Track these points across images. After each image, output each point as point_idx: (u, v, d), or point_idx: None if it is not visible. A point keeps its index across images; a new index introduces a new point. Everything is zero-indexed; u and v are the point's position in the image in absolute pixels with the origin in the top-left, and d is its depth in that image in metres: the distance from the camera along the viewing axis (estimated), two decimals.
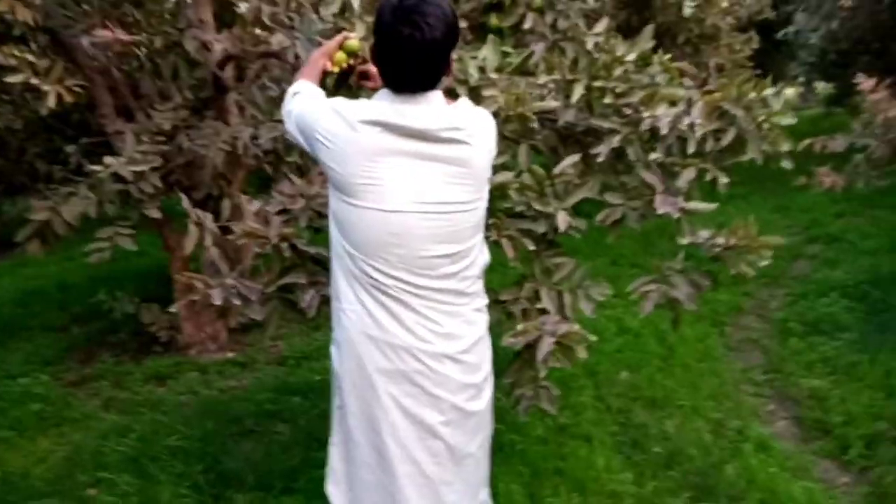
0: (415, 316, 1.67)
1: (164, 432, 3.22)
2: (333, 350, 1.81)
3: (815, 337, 3.97)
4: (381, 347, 1.68)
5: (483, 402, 1.83)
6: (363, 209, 1.61)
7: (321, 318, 5.31)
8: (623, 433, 3.11)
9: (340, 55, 1.95)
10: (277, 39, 3.55)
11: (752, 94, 2.20)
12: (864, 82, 4.47)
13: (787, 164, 2.30)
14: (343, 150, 1.60)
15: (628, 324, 4.34)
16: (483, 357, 1.82)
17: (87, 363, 4.47)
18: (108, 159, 3.16)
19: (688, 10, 2.84)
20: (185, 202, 2.25)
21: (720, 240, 2.15)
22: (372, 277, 1.65)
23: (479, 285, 1.81)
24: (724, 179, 2.22)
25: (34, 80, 3.15)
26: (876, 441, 2.89)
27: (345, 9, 2.46)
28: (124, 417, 3.53)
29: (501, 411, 3.24)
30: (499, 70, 2.35)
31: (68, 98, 3.23)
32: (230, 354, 4.44)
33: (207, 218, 2.23)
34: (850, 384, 3.34)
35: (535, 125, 2.28)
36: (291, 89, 1.83)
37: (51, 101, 3.17)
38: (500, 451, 2.95)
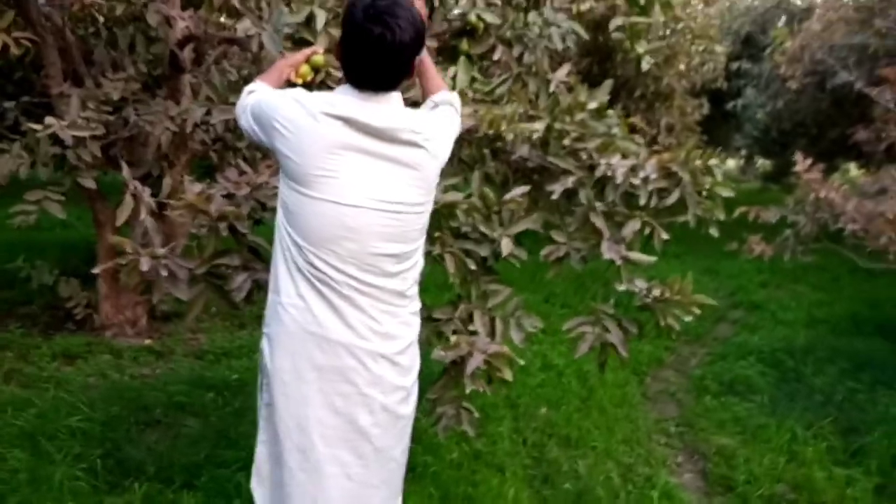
0: (357, 312, 1.66)
1: (65, 411, 3.07)
2: (265, 345, 1.76)
3: (728, 397, 4.09)
4: (318, 343, 1.65)
5: (411, 406, 1.83)
6: (318, 200, 1.60)
7: (246, 317, 5.21)
8: (536, 467, 3.13)
9: (305, 68, 1.95)
10: (243, 26, 3.50)
11: (699, 162, 2.29)
12: (800, 162, 4.69)
13: (714, 232, 2.39)
14: (302, 139, 1.58)
15: (553, 361, 4.40)
16: (414, 361, 1.83)
17: None
18: (49, 119, 3.04)
19: (645, 65, 2.94)
20: (126, 170, 2.18)
21: (656, 291, 2.21)
22: (318, 269, 1.62)
23: (416, 290, 1.83)
24: (664, 235, 2.30)
25: None
26: (774, 502, 2.99)
27: (310, 20, 2.43)
28: (25, 391, 3.36)
29: (418, 431, 3.22)
30: (472, 90, 2.38)
31: (14, 50, 3.12)
32: (147, 341, 4.29)
33: (145, 192, 2.16)
34: (757, 445, 3.44)
35: (488, 153, 2.32)
36: (248, 88, 1.82)
37: None
38: (413, 471, 2.92)
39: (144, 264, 2.02)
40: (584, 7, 4.17)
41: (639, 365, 4.61)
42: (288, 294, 1.67)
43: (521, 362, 2.16)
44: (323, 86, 2.17)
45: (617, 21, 2.72)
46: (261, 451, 1.79)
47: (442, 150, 1.75)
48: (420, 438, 3.19)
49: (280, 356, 1.69)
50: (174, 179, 3.77)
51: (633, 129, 2.54)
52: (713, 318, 5.93)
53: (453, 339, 2.10)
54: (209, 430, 3.08)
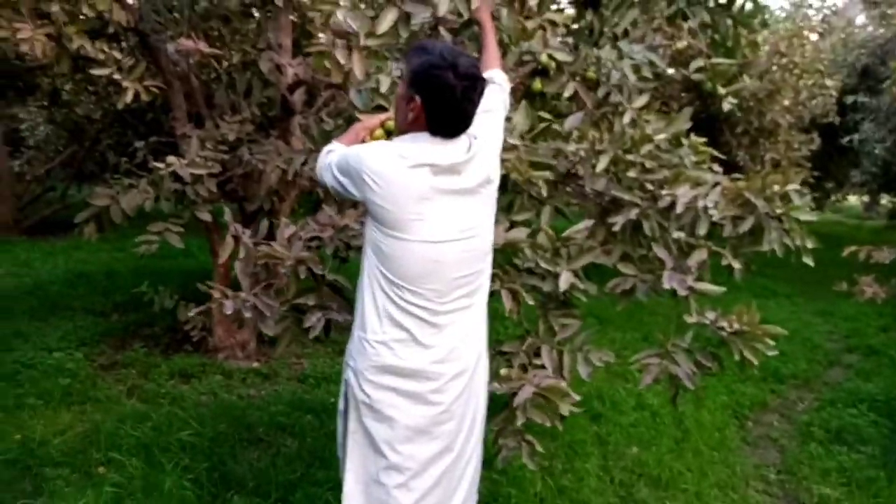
0: (441, 338, 1.81)
1: (178, 426, 3.32)
2: (350, 376, 1.88)
3: (835, 445, 3.88)
4: (402, 373, 1.80)
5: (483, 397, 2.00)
6: (411, 242, 1.75)
7: (345, 344, 5.43)
8: None
9: (380, 132, 2.09)
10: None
11: (776, 188, 2.24)
12: None
13: (809, 262, 2.32)
14: (392, 190, 1.72)
15: (647, 400, 4.31)
16: (486, 369, 1.98)
17: (120, 350, 4.63)
18: (170, 159, 3.33)
19: (727, 106, 2.90)
20: (228, 215, 2.39)
21: (724, 323, 2.18)
22: (411, 303, 1.77)
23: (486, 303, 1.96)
24: (737, 266, 2.25)
25: (116, 76, 3.37)
26: None
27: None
28: (144, 406, 3.65)
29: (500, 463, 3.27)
30: (529, 131, 2.44)
31: (144, 96, 3.44)
32: (255, 364, 4.55)
33: (245, 234, 2.35)
34: (863, 498, 3.25)
35: (547, 187, 2.36)
36: (326, 148, 1.99)
37: (128, 97, 3.38)
38: (495, 501, 2.96)
39: (228, 308, 2.21)
40: (681, 45, 4.17)
41: (740, 408, 4.44)
42: (374, 332, 1.80)
43: (577, 397, 2.17)
44: None
45: (698, 62, 2.72)
46: (349, 479, 1.89)
47: (496, 164, 1.91)
48: (505, 470, 3.23)
49: (368, 388, 1.82)
50: (277, 217, 4.03)
51: (712, 160, 2.50)
52: (825, 363, 5.64)
53: (503, 371, 2.16)
54: (305, 450, 3.24)
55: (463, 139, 1.80)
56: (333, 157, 1.88)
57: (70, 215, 10.36)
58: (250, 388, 4.18)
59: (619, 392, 4.36)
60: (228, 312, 2.14)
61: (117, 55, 3.33)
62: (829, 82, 6.82)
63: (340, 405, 1.95)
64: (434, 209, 1.73)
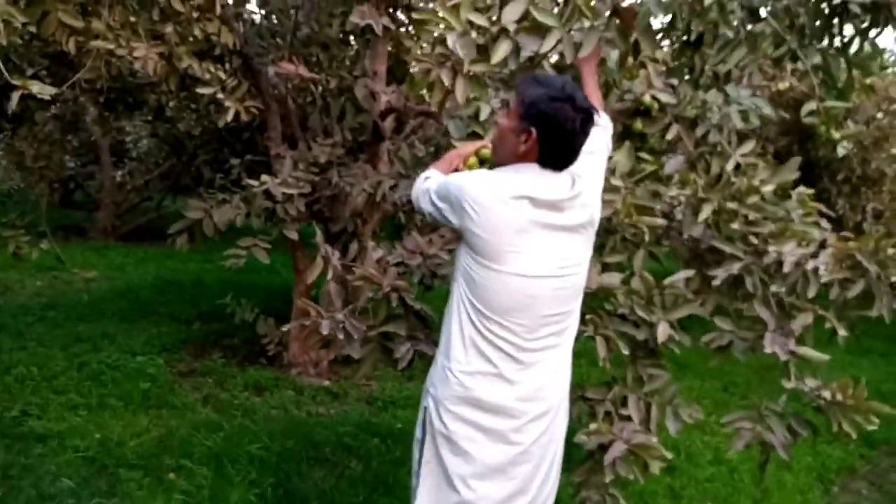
0: (526, 375, 1.78)
1: (248, 438, 3.38)
2: (430, 404, 1.86)
3: None
4: (484, 408, 1.77)
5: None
6: (506, 274, 1.73)
7: (415, 370, 5.44)
8: None
9: (474, 160, 2.07)
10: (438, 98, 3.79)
11: (891, 251, 2.10)
12: None
13: None
14: (492, 220, 1.71)
15: (725, 455, 4.10)
16: (565, 421, 1.95)
17: (199, 358, 4.77)
18: (264, 177, 3.44)
19: (842, 151, 2.78)
20: (319, 236, 2.43)
21: (825, 393, 2.06)
22: (500, 336, 1.75)
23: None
24: (842, 332, 2.13)
25: (220, 95, 3.52)
26: None
27: (477, 113, 2.57)
28: (217, 415, 3.74)
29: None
30: (630, 174, 2.38)
31: (244, 116, 3.57)
32: (326, 382, 4.60)
33: (335, 255, 2.39)
34: None
35: (650, 232, 2.29)
36: (424, 174, 1.99)
37: (229, 116, 3.52)
38: None
39: (325, 328, 2.23)
40: (782, 86, 4.03)
41: (826, 471, 4.18)
42: (458, 361, 1.78)
43: (669, 456, 2.08)
44: None
45: (811, 105, 2.61)
46: None
47: (598, 205, 1.89)
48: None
49: (448, 418, 1.80)
50: (363, 239, 4.08)
51: (820, 215, 2.38)
52: None
53: (593, 426, 2.09)
54: (370, 474, 3.23)
55: (566, 175, 1.78)
56: (432, 184, 1.88)
57: (164, 225, 10.86)
58: (319, 406, 4.23)
59: (696, 443, 4.18)
60: (325, 332, 2.15)
61: (222, 75, 3.47)
62: None
63: (418, 433, 1.92)
64: (532, 243, 1.72)
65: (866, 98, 2.63)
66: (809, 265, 2.12)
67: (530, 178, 1.74)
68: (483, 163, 2.04)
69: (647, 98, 2.49)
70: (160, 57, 3.17)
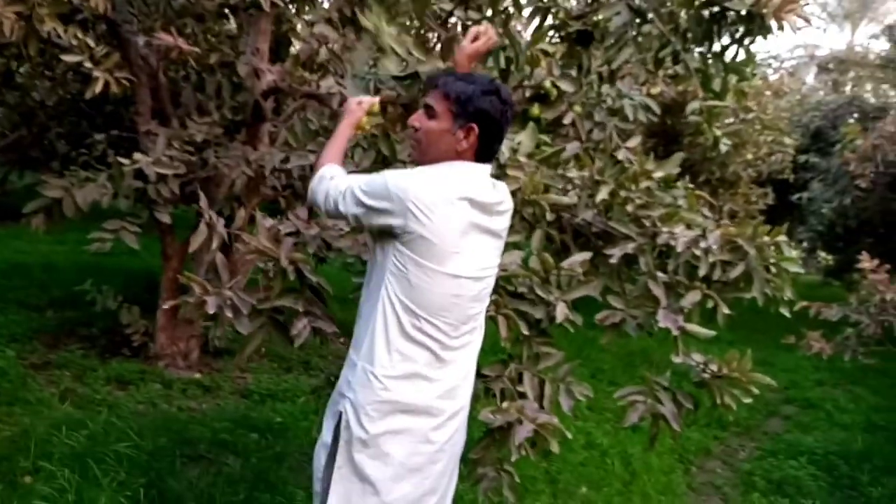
0: (451, 373, 1.80)
1: (115, 436, 3.14)
2: (348, 409, 1.78)
3: (777, 497, 3.93)
4: (407, 410, 1.75)
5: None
6: (442, 274, 1.72)
7: (293, 360, 5.27)
8: None
9: (365, 119, 2.08)
10: (327, 84, 3.69)
11: (766, 238, 2.28)
12: (867, 261, 4.59)
13: (785, 312, 2.36)
14: (441, 222, 1.69)
15: (597, 439, 4.30)
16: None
17: (53, 349, 4.39)
18: (137, 155, 3.20)
19: (724, 148, 3.00)
20: (203, 200, 2.27)
21: (713, 366, 2.19)
22: (427, 334, 1.74)
23: None
24: (726, 310, 2.27)
25: (88, 64, 3.22)
26: None
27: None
28: (79, 412, 3.45)
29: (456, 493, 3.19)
30: (530, 157, 2.43)
31: (115, 88, 3.30)
32: (197, 375, 4.37)
33: (219, 222, 2.25)
34: None
35: (551, 215, 2.35)
36: (322, 174, 1.89)
37: (98, 87, 3.24)
38: None
39: (211, 305, 2.09)
40: (654, 91, 4.23)
41: (686, 453, 4.47)
42: (383, 366, 1.74)
43: (570, 435, 2.14)
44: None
45: (694, 105, 2.76)
46: None
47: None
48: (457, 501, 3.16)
49: (368, 423, 1.74)
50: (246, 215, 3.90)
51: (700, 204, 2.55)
52: (765, 412, 5.74)
53: (505, 404, 2.10)
54: (249, 471, 3.10)
55: (489, 177, 1.83)
56: (352, 182, 1.79)
57: (9, 202, 9.97)
58: (191, 401, 4.01)
59: (570, 428, 4.32)
60: (212, 311, 2.01)
61: (90, 42, 3.18)
62: (787, 140, 7.07)
63: (326, 437, 1.85)
64: (468, 244, 1.75)
65: (737, 101, 2.82)
66: (703, 245, 2.24)
67: (467, 177, 1.76)
68: (374, 115, 2.07)
69: (547, 83, 2.54)
70: (18, 17, 2.85)
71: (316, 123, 3.28)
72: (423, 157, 1.80)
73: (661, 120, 5.66)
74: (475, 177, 1.78)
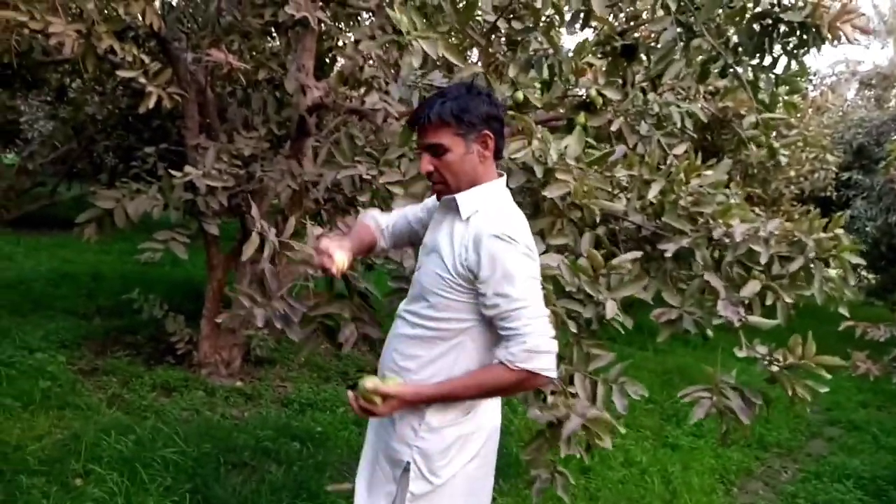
0: None
1: (161, 442, 3.21)
2: (418, 460, 1.72)
3: None
4: (491, 435, 1.81)
5: None
6: None
7: (331, 370, 5.31)
8: None
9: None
10: (371, 100, 3.75)
11: (823, 234, 2.25)
12: None
13: (844, 312, 2.31)
14: None
15: (636, 457, 4.26)
16: None
17: (101, 355, 4.51)
18: (187, 168, 3.29)
19: (783, 159, 3.01)
20: (255, 210, 2.32)
21: (778, 356, 2.13)
22: None
23: None
24: (787, 299, 2.21)
25: (142, 80, 3.33)
26: None
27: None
28: (126, 417, 3.54)
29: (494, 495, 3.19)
30: (577, 160, 2.43)
31: (167, 103, 3.40)
32: (239, 383, 4.44)
33: (271, 232, 2.30)
34: None
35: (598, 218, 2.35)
36: (538, 344, 1.62)
37: (151, 102, 3.34)
38: None
39: (259, 318, 2.15)
40: (694, 107, 4.20)
41: (726, 473, 4.40)
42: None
43: (623, 430, 2.12)
44: None
45: (751, 118, 2.76)
46: None
47: None
48: None
49: (444, 471, 1.73)
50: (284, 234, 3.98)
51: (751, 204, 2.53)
52: (807, 434, 5.62)
53: (551, 399, 2.09)
54: (291, 479, 3.14)
55: None
56: (538, 313, 1.62)
57: (58, 212, 10.27)
58: (233, 408, 4.08)
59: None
60: (260, 324, 2.07)
61: (144, 59, 3.29)
62: (829, 157, 6.97)
63: (388, 487, 1.80)
64: None
65: (788, 114, 2.80)
66: (762, 233, 2.21)
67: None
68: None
69: (592, 91, 2.55)
70: (78, 35, 2.97)
71: (362, 139, 3.34)
72: (459, 187, 1.69)
73: (702, 136, 5.61)
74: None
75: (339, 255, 1.71)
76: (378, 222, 1.96)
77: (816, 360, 2.13)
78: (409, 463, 1.72)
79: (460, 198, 1.68)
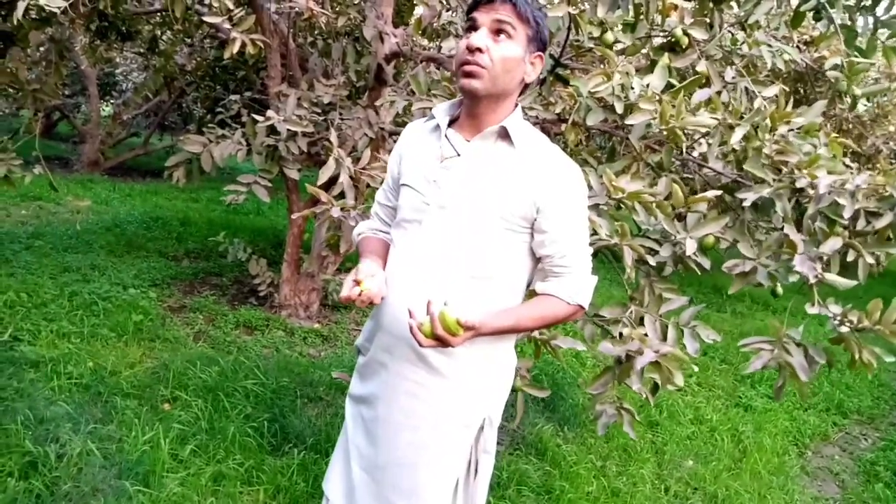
0: None
1: (243, 374, 3.39)
2: (492, 416, 1.65)
3: None
4: None
5: None
6: None
7: None
8: None
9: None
10: (448, 45, 3.74)
11: None
12: None
13: None
14: None
15: (706, 415, 4.21)
16: None
17: (189, 294, 4.75)
18: (269, 113, 3.38)
19: (862, 108, 2.82)
20: (333, 136, 2.39)
21: (852, 317, 2.03)
22: None
23: None
24: (869, 259, 2.09)
25: (226, 26, 3.43)
26: None
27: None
28: (211, 351, 3.74)
29: (557, 457, 3.23)
30: (664, 91, 2.34)
31: (251, 49, 3.48)
32: (316, 325, 4.61)
33: (347, 159, 2.36)
34: None
35: (677, 162, 2.28)
36: (578, 273, 1.60)
37: (235, 48, 3.42)
38: (548, 494, 2.94)
39: (335, 212, 2.22)
40: (785, 58, 4.01)
41: (801, 436, 4.31)
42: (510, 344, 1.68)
43: (696, 368, 2.09)
44: None
45: (835, 60, 2.59)
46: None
47: None
48: (559, 463, 3.20)
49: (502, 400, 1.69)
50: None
51: (844, 154, 2.38)
52: (892, 402, 5.41)
53: (625, 330, 2.07)
54: None
55: None
56: (587, 258, 1.60)
57: (150, 161, 10.76)
58: (311, 348, 4.24)
59: (678, 403, 4.28)
60: (336, 215, 2.14)
61: (229, 4, 3.38)
62: None
63: (457, 459, 1.64)
64: None
65: (888, 61, 2.59)
66: (849, 186, 2.09)
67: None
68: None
69: (678, 31, 2.45)
70: None
71: (439, 75, 3.33)
72: (490, 87, 1.49)
73: (794, 88, 5.36)
74: None
75: (365, 285, 1.51)
76: (373, 227, 1.81)
77: (893, 330, 2.00)
78: (485, 418, 1.62)
79: (511, 124, 1.53)
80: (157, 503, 2.36)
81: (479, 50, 1.45)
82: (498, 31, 1.47)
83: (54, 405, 2.84)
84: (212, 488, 2.51)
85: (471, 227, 1.51)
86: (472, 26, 1.49)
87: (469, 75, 1.47)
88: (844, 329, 2.03)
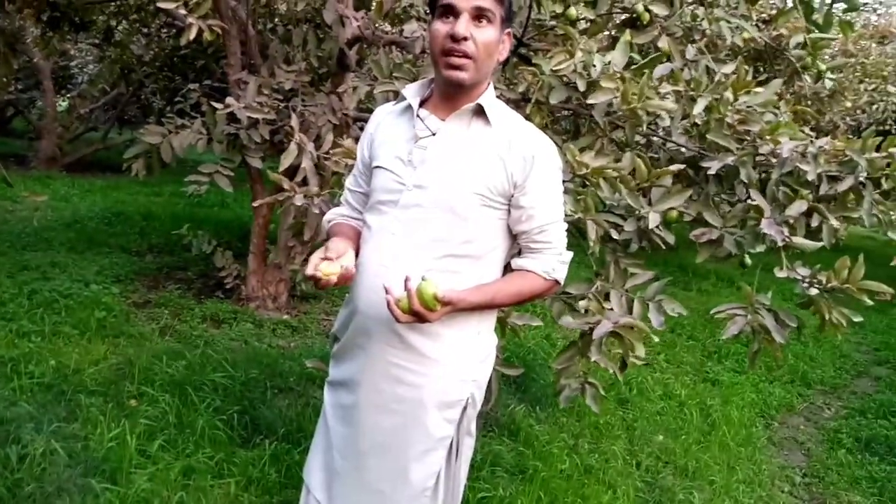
0: None
1: (211, 367, 3.34)
2: (475, 392, 1.62)
3: (865, 454, 3.82)
4: None
5: None
6: None
7: None
8: (648, 492, 3.06)
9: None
10: (410, 28, 3.71)
11: (876, 154, 2.14)
12: None
13: (893, 235, 2.21)
14: None
15: (675, 390, 4.27)
16: None
17: (153, 290, 4.67)
18: (229, 100, 3.32)
19: (828, 83, 2.87)
20: (294, 121, 2.35)
21: (821, 278, 2.04)
22: None
23: None
24: (834, 223, 2.12)
25: (182, 12, 3.34)
26: None
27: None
28: (177, 345, 3.68)
29: (529, 437, 3.25)
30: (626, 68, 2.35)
31: (208, 35, 3.39)
32: (285, 316, 4.57)
33: (309, 144, 2.33)
34: None
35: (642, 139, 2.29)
36: (554, 254, 1.61)
37: (192, 34, 3.34)
38: (522, 474, 2.96)
39: (298, 199, 2.19)
40: (745, 36, 4.06)
41: (767, 408, 4.39)
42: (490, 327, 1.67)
43: (656, 339, 2.10)
44: None
45: (798, 38, 2.63)
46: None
47: None
48: (531, 443, 3.22)
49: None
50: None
51: (803, 123, 2.43)
52: (853, 373, 5.55)
53: (583, 303, 2.08)
54: None
55: None
56: (561, 232, 1.61)
57: (110, 156, 10.56)
58: (280, 339, 4.21)
59: (647, 380, 4.33)
60: (298, 203, 2.11)
61: None
62: (891, 88, 6.64)
63: (441, 430, 1.59)
64: None
65: (844, 35, 2.63)
66: (811, 150, 2.12)
67: None
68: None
69: (640, 7, 2.46)
70: None
71: (401, 57, 3.30)
72: (475, 76, 1.49)
73: (753, 66, 5.40)
74: None
75: (324, 266, 1.45)
76: (343, 213, 1.77)
77: (861, 286, 2.02)
78: (468, 398, 1.59)
79: (486, 102, 1.52)
80: (124, 500, 2.32)
81: (465, 38, 1.43)
82: (478, 17, 1.45)
83: (15, 406, 2.77)
84: (181, 483, 2.48)
85: (448, 205, 1.50)
86: (448, 11, 1.45)
87: (456, 67, 1.46)
88: (814, 291, 2.05)
